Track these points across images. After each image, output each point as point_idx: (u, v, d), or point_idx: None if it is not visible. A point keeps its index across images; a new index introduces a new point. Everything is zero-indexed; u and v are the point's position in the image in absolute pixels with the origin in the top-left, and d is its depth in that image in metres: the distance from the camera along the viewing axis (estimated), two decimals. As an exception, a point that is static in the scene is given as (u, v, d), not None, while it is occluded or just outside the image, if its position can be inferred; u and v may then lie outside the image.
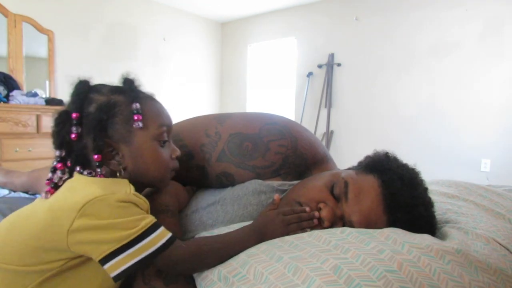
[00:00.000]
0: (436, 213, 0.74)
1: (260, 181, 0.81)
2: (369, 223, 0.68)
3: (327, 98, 4.39)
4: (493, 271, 0.57)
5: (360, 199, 0.69)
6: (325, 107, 4.42)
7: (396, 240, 0.58)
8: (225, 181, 0.83)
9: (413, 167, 0.77)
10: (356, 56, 4.24)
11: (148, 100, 0.67)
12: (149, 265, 0.56)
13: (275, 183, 0.81)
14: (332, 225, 0.71)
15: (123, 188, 0.59)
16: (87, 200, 0.53)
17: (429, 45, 3.72)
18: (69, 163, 0.62)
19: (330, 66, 4.39)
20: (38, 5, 3.63)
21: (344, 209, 0.71)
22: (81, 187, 0.58)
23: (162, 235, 0.56)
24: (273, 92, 5.06)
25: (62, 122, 0.61)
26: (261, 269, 0.56)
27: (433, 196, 0.82)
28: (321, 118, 4.45)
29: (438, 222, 0.75)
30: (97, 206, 0.53)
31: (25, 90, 3.34)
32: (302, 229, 0.67)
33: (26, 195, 1.29)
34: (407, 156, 0.81)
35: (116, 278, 0.53)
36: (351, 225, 0.70)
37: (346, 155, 4.20)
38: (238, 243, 0.63)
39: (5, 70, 3.34)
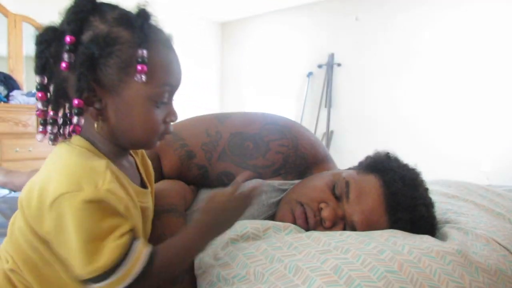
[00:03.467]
0: (436, 213, 0.75)
1: (260, 180, 0.81)
2: (370, 223, 0.68)
3: (327, 98, 4.39)
4: (494, 272, 0.57)
5: (362, 199, 0.70)
6: (325, 107, 4.42)
7: (396, 242, 0.58)
8: (226, 181, 0.84)
9: (414, 167, 0.77)
10: (356, 56, 4.23)
11: (160, 46, 0.53)
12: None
13: (276, 182, 0.82)
14: (333, 225, 0.71)
15: (96, 176, 0.48)
16: (52, 199, 0.47)
17: (429, 45, 3.72)
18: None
19: (330, 66, 4.39)
20: (38, 5, 3.63)
21: (346, 209, 0.71)
22: (55, 167, 0.51)
23: (137, 259, 0.48)
24: (273, 92, 5.06)
25: (47, 41, 0.49)
26: (261, 270, 0.56)
27: (433, 196, 0.82)
28: (321, 118, 4.45)
29: (438, 222, 0.75)
30: (62, 210, 0.46)
31: (25, 90, 3.34)
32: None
33: (26, 195, 1.29)
34: (407, 156, 0.82)
35: None
36: (353, 225, 0.70)
37: (346, 155, 4.19)
38: (196, 245, 0.56)
39: (5, 70, 3.33)
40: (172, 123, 0.58)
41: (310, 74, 4.59)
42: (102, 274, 0.46)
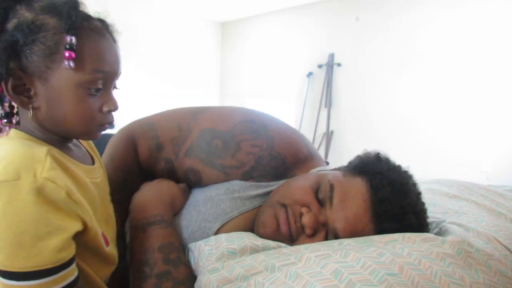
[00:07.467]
0: (436, 213, 0.74)
1: (234, 181, 0.78)
2: (354, 231, 0.64)
3: (327, 98, 4.39)
4: (494, 273, 0.57)
5: (346, 205, 0.65)
6: (325, 107, 4.42)
7: (395, 245, 0.57)
8: (193, 178, 0.81)
9: (406, 169, 0.73)
10: (356, 56, 4.23)
11: (91, 33, 0.53)
12: None
13: (248, 183, 0.78)
14: (314, 232, 0.67)
15: (35, 164, 0.47)
16: None
17: (429, 45, 3.72)
18: None
19: (330, 66, 4.38)
20: (37, 5, 3.62)
21: (328, 215, 0.66)
22: None
23: (64, 277, 0.48)
24: (273, 92, 5.05)
25: None
26: (262, 279, 0.55)
27: (434, 196, 0.81)
28: (321, 118, 4.45)
29: (431, 224, 0.73)
30: None
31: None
32: None
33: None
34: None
35: None
36: (335, 233, 0.66)
37: (346, 155, 4.17)
38: None
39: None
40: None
41: (310, 74, 4.59)
42: (33, 272, 0.45)
